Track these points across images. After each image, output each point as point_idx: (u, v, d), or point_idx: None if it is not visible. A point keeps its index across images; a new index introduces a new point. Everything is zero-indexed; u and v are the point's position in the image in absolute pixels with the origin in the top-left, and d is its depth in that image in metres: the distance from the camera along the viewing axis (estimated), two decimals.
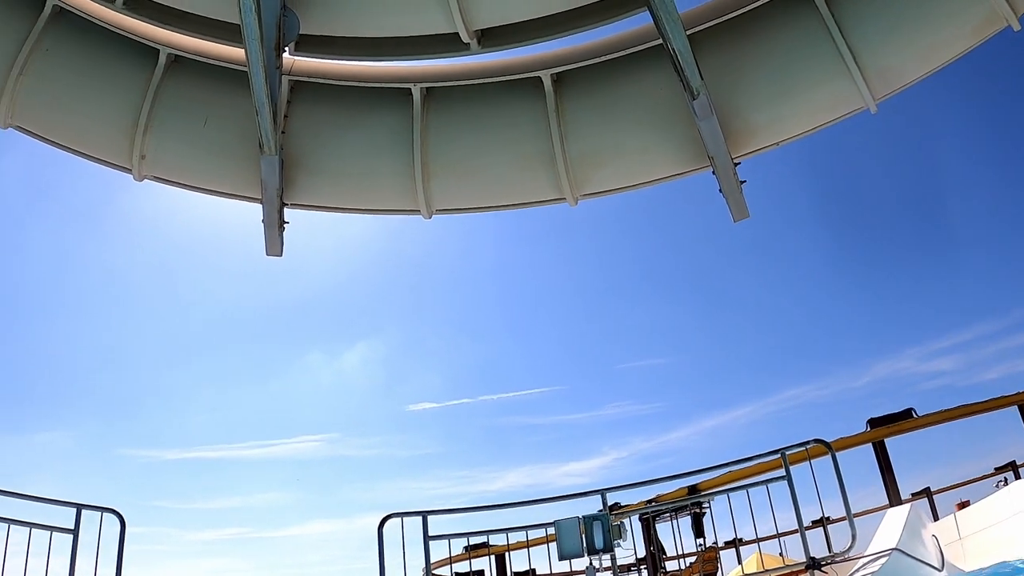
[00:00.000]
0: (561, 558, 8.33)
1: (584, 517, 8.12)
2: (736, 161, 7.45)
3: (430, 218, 6.99)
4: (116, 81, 6.72)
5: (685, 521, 13.57)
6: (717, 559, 13.40)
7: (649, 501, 12.50)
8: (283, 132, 6.70)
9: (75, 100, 6.70)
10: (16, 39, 6.72)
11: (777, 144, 7.63)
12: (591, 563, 8.14)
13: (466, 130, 6.94)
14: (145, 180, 6.80)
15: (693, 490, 12.06)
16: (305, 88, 6.93)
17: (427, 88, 6.91)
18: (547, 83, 7.03)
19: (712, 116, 7.04)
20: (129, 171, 6.75)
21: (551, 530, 8.18)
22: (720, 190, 7.55)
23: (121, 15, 6.71)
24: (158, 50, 6.77)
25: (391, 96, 6.93)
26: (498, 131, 6.99)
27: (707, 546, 13.59)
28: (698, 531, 13.81)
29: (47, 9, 6.80)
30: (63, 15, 6.85)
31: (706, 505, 14.05)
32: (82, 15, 6.78)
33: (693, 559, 13.31)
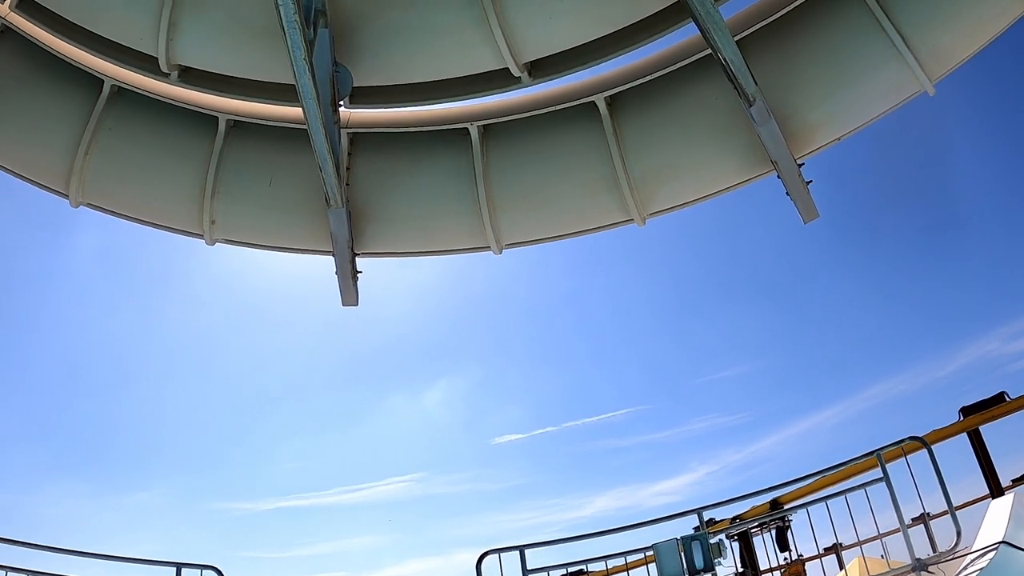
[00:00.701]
0: None
1: (682, 538, 7.97)
2: (800, 162, 7.32)
3: (500, 253, 6.95)
4: (180, 151, 6.81)
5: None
6: (803, 573, 13.06)
7: (734, 519, 12.25)
8: (347, 184, 6.72)
9: (142, 173, 6.80)
10: (79, 121, 6.86)
11: (838, 139, 7.49)
12: None
13: (527, 162, 6.91)
14: (217, 244, 6.86)
15: (775, 504, 11.75)
16: (365, 139, 6.97)
17: (484, 126, 6.90)
18: (602, 107, 6.98)
19: (770, 120, 6.94)
20: (201, 237, 6.82)
21: (649, 552, 8.04)
22: (787, 193, 7.44)
23: (177, 88, 6.81)
24: (217, 117, 6.86)
25: (449, 137, 6.93)
26: (559, 160, 6.95)
27: (792, 560, 13.28)
28: (782, 545, 13.47)
29: (105, 90, 6.94)
30: (121, 94, 6.98)
31: (789, 519, 13.73)
32: (139, 91, 6.90)
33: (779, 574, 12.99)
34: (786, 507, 10.99)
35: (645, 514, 8.38)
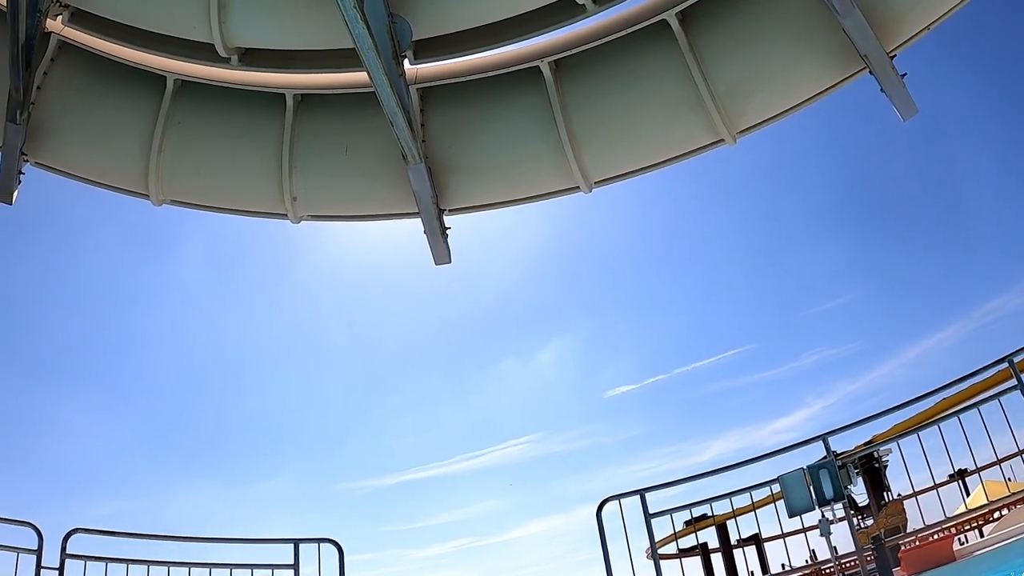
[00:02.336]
0: (791, 515, 7.84)
1: (809, 467, 7.65)
2: (892, 54, 6.86)
3: (590, 192, 6.70)
4: (251, 134, 6.73)
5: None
6: (903, 511, 12.54)
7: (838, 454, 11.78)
8: (424, 141, 6.54)
9: (217, 162, 6.75)
10: (148, 121, 6.83)
11: (930, 27, 6.99)
12: (823, 515, 7.66)
13: (605, 93, 6.61)
14: (303, 221, 6.78)
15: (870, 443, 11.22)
16: (435, 94, 6.77)
17: (555, 61, 6.62)
18: (674, 24, 6.62)
19: (855, 10, 6.48)
20: (286, 216, 6.75)
21: (775, 488, 7.75)
22: (881, 90, 6.98)
23: (239, 71, 6.72)
24: (283, 94, 6.74)
25: (521, 79, 6.67)
26: (637, 86, 6.62)
27: (889, 500, 12.80)
28: (876, 485, 12.95)
29: (169, 86, 6.90)
30: (185, 87, 6.93)
31: (886, 460, 13.13)
32: (203, 81, 6.84)
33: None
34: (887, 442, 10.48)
35: (764, 452, 8.04)
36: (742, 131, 6.94)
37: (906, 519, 12.19)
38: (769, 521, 8.07)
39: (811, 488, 7.69)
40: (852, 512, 7.61)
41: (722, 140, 6.86)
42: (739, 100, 6.73)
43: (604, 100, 6.62)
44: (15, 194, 7.10)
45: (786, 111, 6.94)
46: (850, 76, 6.91)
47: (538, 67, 6.62)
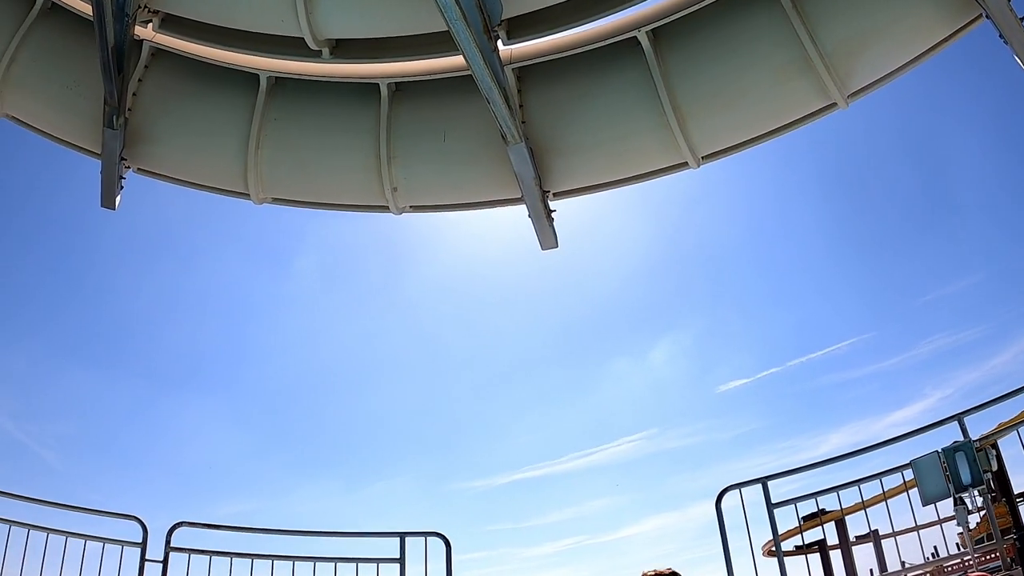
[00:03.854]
0: (925, 502, 7.40)
1: (944, 450, 7.22)
2: None
3: (699, 167, 6.50)
4: (348, 126, 6.76)
5: None
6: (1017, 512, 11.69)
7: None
8: (523, 123, 6.46)
9: (316, 156, 6.80)
10: (244, 120, 6.94)
11: None
12: (961, 502, 7.21)
13: (707, 61, 6.40)
14: (404, 212, 6.77)
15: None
16: (531, 73, 6.67)
17: (653, 30, 6.42)
18: None
19: None
20: (387, 209, 6.74)
21: (909, 477, 7.33)
22: (1000, 37, 6.59)
23: (331, 64, 6.76)
24: (377, 84, 6.75)
25: (619, 51, 6.51)
26: (740, 51, 6.37)
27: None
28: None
29: (263, 83, 7.00)
30: (279, 83, 7.02)
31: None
32: (297, 77, 6.91)
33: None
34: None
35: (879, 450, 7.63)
36: (854, 93, 6.64)
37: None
38: (882, 519, 7.67)
39: (947, 473, 7.26)
40: (991, 499, 7.12)
41: (834, 104, 6.57)
42: (849, 58, 6.43)
43: (707, 68, 6.41)
44: (118, 200, 7.31)
45: (899, 69, 6.61)
46: (966, 26, 6.54)
47: (636, 38, 6.45)
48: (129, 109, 7.30)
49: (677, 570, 3.08)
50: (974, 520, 7.45)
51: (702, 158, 6.55)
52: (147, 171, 7.33)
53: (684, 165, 6.53)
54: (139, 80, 7.35)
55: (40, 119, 7.81)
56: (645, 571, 3.12)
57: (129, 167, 7.33)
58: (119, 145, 7.20)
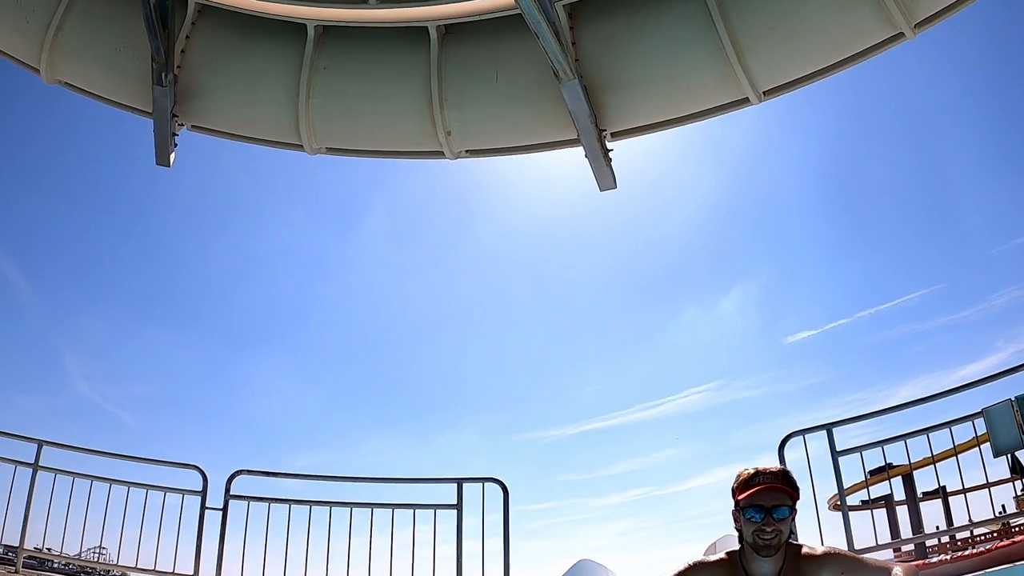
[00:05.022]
0: (996, 453, 7.19)
1: (1018, 398, 6.99)
2: None
3: (760, 102, 6.34)
4: (398, 70, 6.76)
5: None
6: None
7: None
8: (576, 61, 6.39)
9: (367, 103, 6.82)
10: (293, 70, 6.97)
11: None
12: None
13: None
14: (460, 157, 6.77)
15: None
16: (583, 9, 6.53)
17: None
18: None
19: None
20: (442, 154, 6.76)
21: (980, 428, 7.13)
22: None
23: (379, 10, 6.73)
24: (426, 27, 6.74)
25: None
26: None
27: None
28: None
29: (310, 32, 7.01)
30: (327, 32, 7.03)
31: None
32: (345, 24, 6.93)
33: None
34: None
35: (952, 402, 7.40)
36: (921, 22, 6.40)
37: None
38: (952, 474, 7.46)
39: (1020, 422, 7.05)
40: None
41: (901, 34, 6.32)
42: None
43: None
44: (172, 157, 7.46)
45: None
46: None
47: None
48: (178, 67, 7.41)
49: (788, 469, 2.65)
50: None
51: (764, 93, 6.39)
52: (200, 127, 7.45)
53: (746, 101, 6.38)
54: (187, 37, 7.44)
55: (91, 83, 7.98)
56: (746, 469, 2.68)
57: (182, 124, 7.46)
58: (170, 102, 7.32)
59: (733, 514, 2.70)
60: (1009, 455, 7.22)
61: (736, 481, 2.70)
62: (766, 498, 2.53)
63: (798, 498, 2.63)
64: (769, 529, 2.52)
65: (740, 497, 2.61)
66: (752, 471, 2.65)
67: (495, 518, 7.14)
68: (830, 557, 2.63)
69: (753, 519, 2.55)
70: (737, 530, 2.70)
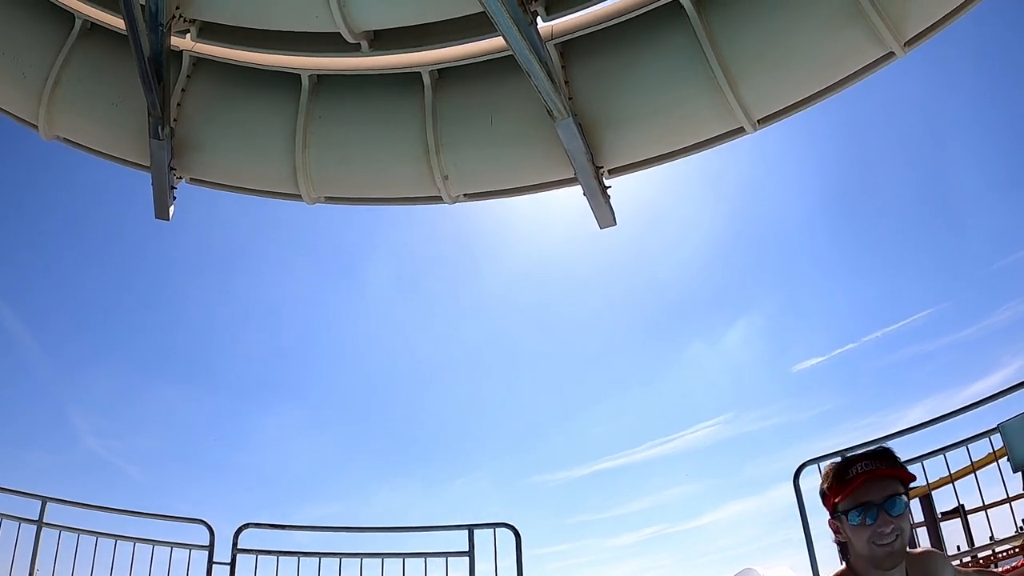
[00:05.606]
0: (1016, 468, 7.15)
1: None
2: None
3: (756, 131, 6.38)
4: (393, 117, 6.81)
5: None
6: None
7: None
8: (570, 99, 6.44)
9: (364, 151, 6.87)
10: (288, 120, 7.04)
11: None
12: None
13: (753, 16, 6.18)
14: (458, 201, 6.80)
15: None
16: (574, 48, 6.62)
17: None
18: None
19: None
20: (441, 199, 6.79)
21: (996, 442, 7.08)
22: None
23: (372, 57, 6.77)
24: (419, 72, 6.79)
25: (662, 16, 6.39)
26: (786, 5, 6.30)
27: None
28: None
29: (304, 82, 7.09)
30: (322, 81, 7.08)
31: None
32: (338, 72, 7.00)
33: None
34: None
35: (965, 421, 7.37)
36: (911, 39, 6.44)
37: None
38: (971, 492, 7.40)
39: None
40: None
41: (892, 53, 6.38)
42: (902, 1, 6.27)
43: (753, 25, 6.27)
44: (171, 210, 7.50)
45: (957, 9, 6.42)
46: None
47: (678, 1, 6.40)
48: (175, 120, 7.48)
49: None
50: None
51: (758, 121, 6.43)
52: (199, 180, 7.50)
53: (741, 131, 6.42)
54: (182, 90, 7.53)
55: (89, 137, 8.05)
56: (833, 462, 2.24)
57: (180, 177, 7.51)
58: (167, 155, 7.38)
59: (831, 525, 2.15)
60: None
61: (825, 480, 2.17)
62: (874, 491, 2.01)
63: (912, 478, 2.11)
64: (887, 530, 1.99)
65: (838, 499, 2.08)
66: (843, 461, 2.13)
67: (508, 564, 7.06)
68: (940, 558, 2.23)
69: (864, 523, 2.01)
70: (839, 543, 2.16)
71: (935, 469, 7.38)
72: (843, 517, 2.07)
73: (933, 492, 7.63)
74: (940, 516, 8.59)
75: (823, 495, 2.18)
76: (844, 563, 2.14)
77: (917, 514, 8.84)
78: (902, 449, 7.34)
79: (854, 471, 2.07)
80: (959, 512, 8.99)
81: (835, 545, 2.25)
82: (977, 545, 9.02)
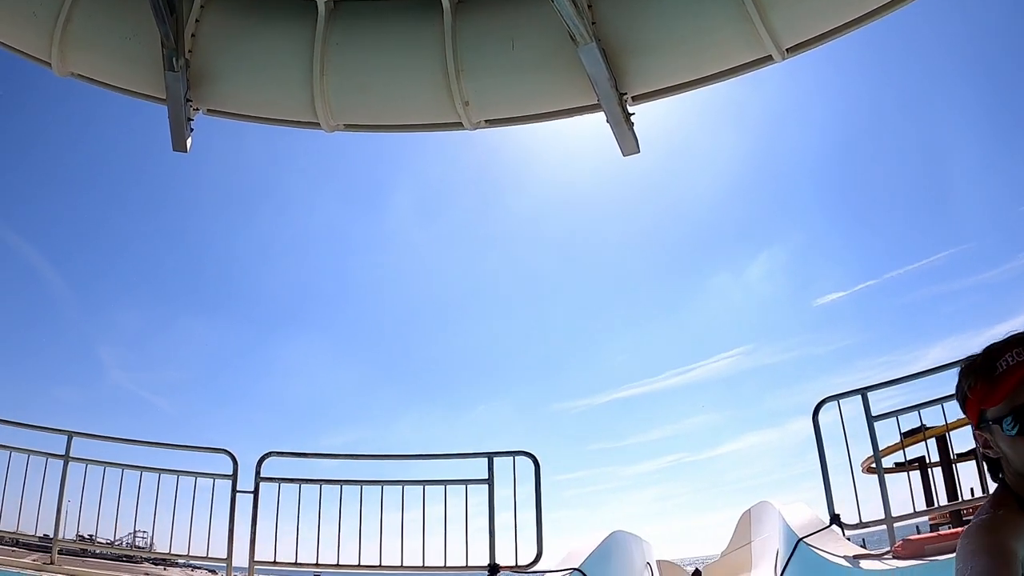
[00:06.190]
0: None
1: None
2: None
3: (784, 59, 6.22)
4: (412, 41, 6.69)
5: None
6: None
7: None
8: (594, 23, 6.30)
9: (382, 76, 6.77)
10: (306, 47, 6.91)
11: None
12: None
13: None
14: (479, 128, 6.73)
15: None
16: None
17: None
18: None
19: None
20: (461, 126, 6.71)
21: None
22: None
23: None
24: None
25: None
26: None
27: None
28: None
29: (321, 9, 6.97)
30: (338, 7, 6.96)
31: None
32: None
33: None
34: None
35: None
36: None
37: None
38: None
39: None
40: None
41: None
42: None
43: None
44: (189, 142, 7.45)
45: None
46: None
47: None
48: (189, 51, 7.39)
49: None
50: None
51: (787, 50, 6.27)
52: (216, 111, 7.44)
53: (769, 59, 6.26)
54: (196, 21, 7.42)
55: (104, 73, 7.98)
56: (969, 357, 1.68)
57: (197, 109, 7.45)
58: (183, 87, 7.31)
59: (978, 438, 1.64)
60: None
61: (966, 379, 1.63)
62: None
63: None
64: None
65: (986, 403, 1.57)
66: (985, 353, 1.60)
67: (527, 490, 7.15)
68: None
69: None
70: (989, 460, 1.64)
71: (953, 411, 7.35)
72: (994, 426, 1.55)
73: (951, 433, 7.60)
74: (955, 457, 8.62)
75: (962, 400, 1.66)
76: (999, 485, 1.64)
77: (933, 454, 8.89)
78: (923, 389, 7.38)
79: (1003, 364, 1.55)
80: (975, 455, 9.00)
81: (984, 462, 1.73)
82: (992, 491, 9.07)
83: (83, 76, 8.12)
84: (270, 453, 7.57)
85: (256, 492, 7.50)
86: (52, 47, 7.64)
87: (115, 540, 8.14)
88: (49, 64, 7.88)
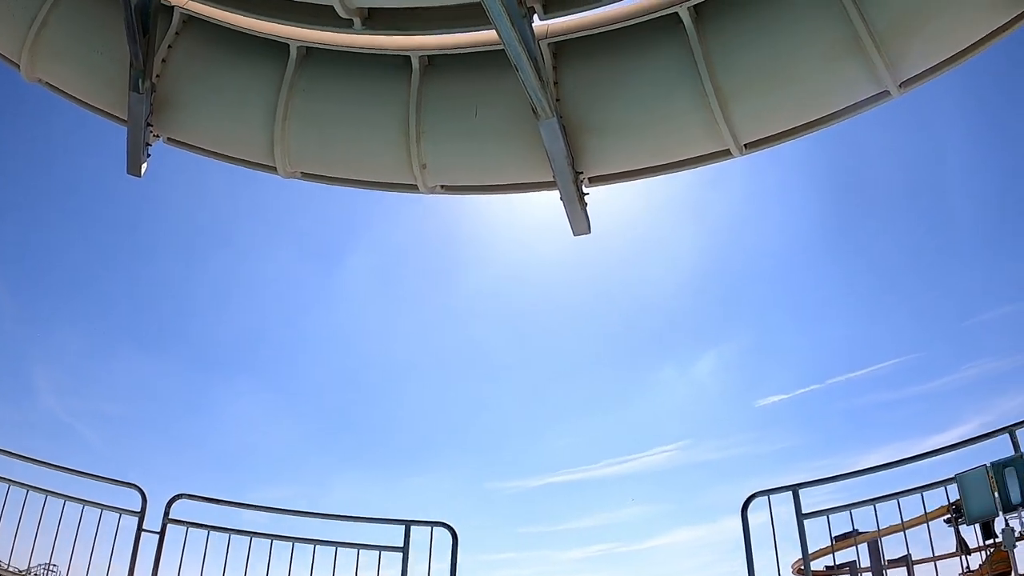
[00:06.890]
0: (970, 521, 7.05)
1: (993, 464, 6.87)
2: None
3: (741, 155, 6.31)
4: (377, 98, 6.72)
5: None
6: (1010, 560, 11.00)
7: None
8: (558, 100, 6.35)
9: (343, 129, 6.76)
10: (272, 90, 6.94)
11: None
12: (1007, 525, 6.85)
13: (751, 38, 6.14)
14: (434, 193, 6.69)
15: None
16: (568, 49, 6.55)
17: (695, 7, 6.26)
18: None
19: None
20: (416, 188, 6.68)
21: (952, 492, 6.99)
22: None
23: (363, 36, 6.72)
24: (409, 57, 6.71)
25: (659, 28, 6.33)
26: (787, 28, 6.11)
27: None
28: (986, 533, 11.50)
29: (293, 53, 6.99)
30: (310, 54, 7.01)
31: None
32: (327, 47, 6.89)
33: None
34: None
35: (920, 470, 7.30)
36: (905, 82, 6.41)
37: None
38: (922, 543, 7.33)
39: (995, 492, 6.91)
40: None
41: (886, 92, 6.34)
42: (901, 40, 6.19)
43: (751, 47, 6.22)
44: (144, 167, 7.36)
45: (956, 56, 6.37)
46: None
47: (677, 14, 6.33)
48: (157, 76, 7.36)
49: None
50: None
51: (745, 146, 6.36)
52: (176, 141, 7.38)
53: (727, 153, 6.34)
54: (168, 46, 7.42)
55: (69, 84, 7.93)
56: None
57: (157, 136, 7.39)
58: (145, 110, 7.25)
59: None
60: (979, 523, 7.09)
61: None
62: None
63: None
64: None
65: None
66: None
67: (443, 565, 6.89)
68: None
69: None
70: None
71: (887, 516, 7.28)
72: None
73: (883, 539, 7.50)
74: (887, 564, 8.48)
75: None
76: None
77: (864, 559, 8.76)
78: (856, 490, 7.30)
79: None
80: (906, 561, 8.89)
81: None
82: None
83: (50, 85, 8.07)
84: (181, 495, 7.27)
85: (163, 533, 7.16)
86: (24, 50, 7.62)
87: (27, 570, 7.72)
88: (18, 66, 7.83)
